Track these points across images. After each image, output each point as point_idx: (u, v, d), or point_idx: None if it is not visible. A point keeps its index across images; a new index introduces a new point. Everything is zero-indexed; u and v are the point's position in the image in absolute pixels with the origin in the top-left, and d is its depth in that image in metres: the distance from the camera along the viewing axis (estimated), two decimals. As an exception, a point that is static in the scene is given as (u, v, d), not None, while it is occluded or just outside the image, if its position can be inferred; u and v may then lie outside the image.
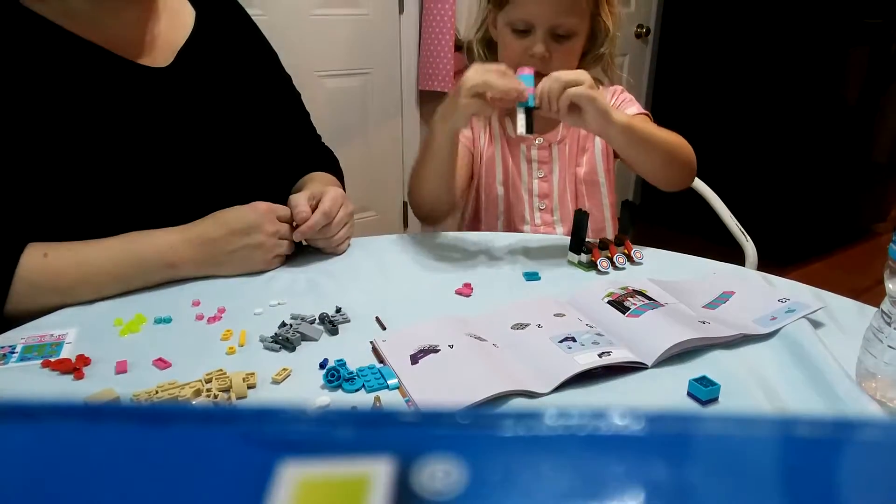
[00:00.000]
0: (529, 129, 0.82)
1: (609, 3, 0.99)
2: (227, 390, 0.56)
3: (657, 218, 2.88)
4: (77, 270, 0.71)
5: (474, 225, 1.13)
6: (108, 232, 0.76)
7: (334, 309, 0.71)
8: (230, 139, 0.87)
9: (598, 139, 1.07)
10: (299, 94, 1.06)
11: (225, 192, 0.83)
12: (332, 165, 1.05)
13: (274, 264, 0.83)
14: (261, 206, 0.80)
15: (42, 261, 0.70)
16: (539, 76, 0.84)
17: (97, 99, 0.76)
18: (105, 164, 0.75)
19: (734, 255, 1.15)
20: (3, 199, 0.71)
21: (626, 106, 1.07)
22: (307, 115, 1.07)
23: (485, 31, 1.05)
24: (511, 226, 1.09)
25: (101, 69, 0.77)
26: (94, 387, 0.56)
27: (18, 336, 0.64)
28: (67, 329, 0.66)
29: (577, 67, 1.00)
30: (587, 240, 0.86)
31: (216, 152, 0.85)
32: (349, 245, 0.91)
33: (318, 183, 0.96)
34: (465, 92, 0.80)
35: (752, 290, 0.76)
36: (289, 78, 1.03)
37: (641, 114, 1.03)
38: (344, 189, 1.01)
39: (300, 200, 0.83)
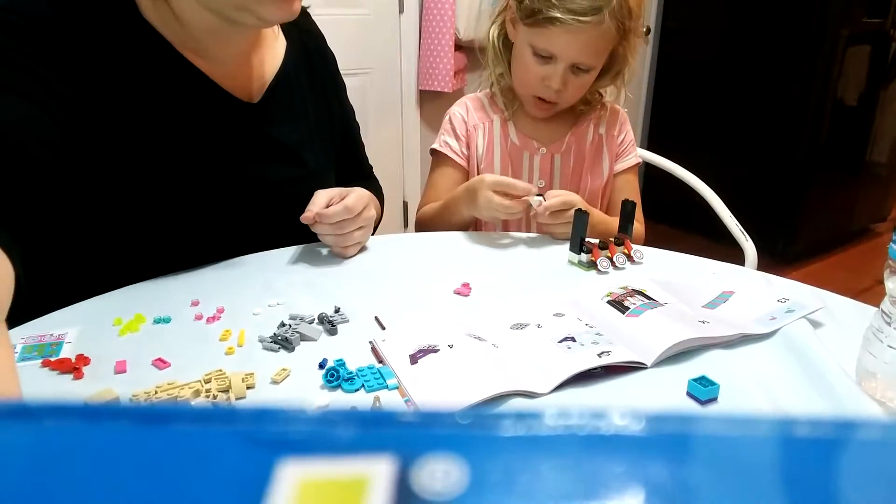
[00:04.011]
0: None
1: (635, 34, 0.98)
2: (226, 390, 0.56)
3: (658, 217, 2.88)
4: None
5: (473, 227, 1.13)
6: (162, 250, 0.78)
7: (333, 309, 0.71)
8: (298, 177, 0.89)
9: (604, 165, 1.08)
10: (359, 126, 1.08)
11: (275, 221, 0.86)
12: (375, 193, 1.06)
13: None
14: None
15: None
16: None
17: (190, 123, 0.78)
18: (177, 186, 0.77)
19: (734, 255, 1.15)
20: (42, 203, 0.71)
21: (630, 150, 1.10)
22: (362, 145, 1.09)
23: (501, 24, 1.03)
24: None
25: (199, 94, 0.78)
26: (94, 386, 0.56)
27: (18, 336, 0.64)
28: (67, 329, 0.66)
29: (593, 85, 1.02)
30: (587, 240, 0.86)
31: (282, 189, 0.86)
32: (358, 250, 0.88)
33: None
34: (485, 186, 0.90)
35: (751, 290, 0.76)
36: (352, 109, 1.05)
37: (634, 166, 1.11)
38: (380, 218, 1.03)
39: (323, 193, 0.83)
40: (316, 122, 0.93)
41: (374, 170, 1.13)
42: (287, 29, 0.92)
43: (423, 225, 1.08)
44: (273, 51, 0.89)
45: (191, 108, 0.78)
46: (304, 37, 0.94)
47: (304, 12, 0.97)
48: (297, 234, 0.83)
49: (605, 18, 0.90)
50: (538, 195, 0.90)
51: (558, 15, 0.90)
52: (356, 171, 1.06)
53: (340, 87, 1.02)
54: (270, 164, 0.85)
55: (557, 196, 0.90)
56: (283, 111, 0.87)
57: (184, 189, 0.77)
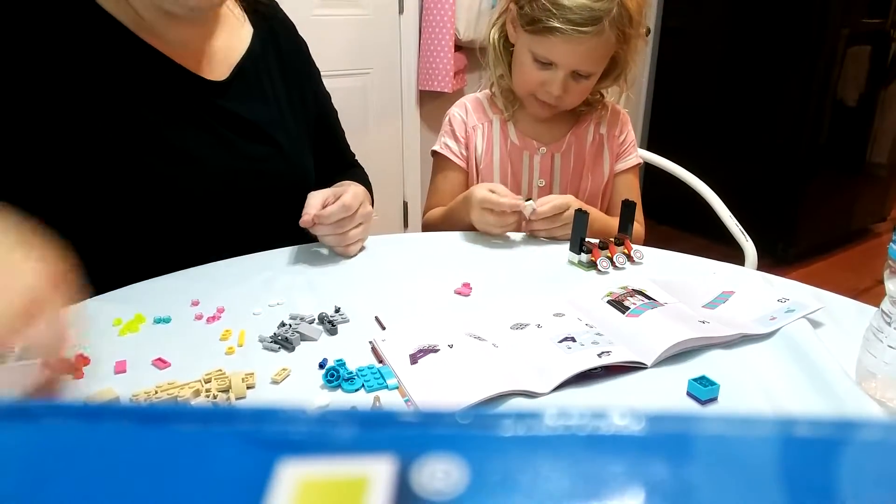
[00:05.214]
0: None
1: (636, 38, 0.98)
2: (226, 390, 0.56)
3: (659, 217, 2.88)
4: None
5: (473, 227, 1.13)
6: (135, 236, 0.77)
7: (333, 309, 0.71)
8: (271, 155, 0.88)
9: (605, 165, 1.08)
10: (336, 112, 1.08)
11: (258, 206, 0.86)
12: (362, 182, 1.06)
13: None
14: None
15: None
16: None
17: (155, 103, 0.77)
18: (149, 167, 0.76)
19: (734, 255, 1.15)
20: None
21: (631, 150, 1.10)
22: (342, 132, 1.08)
23: (502, 25, 1.02)
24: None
25: (161, 75, 0.78)
26: (94, 387, 0.56)
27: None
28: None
29: (595, 87, 1.02)
30: (587, 240, 0.86)
31: (256, 167, 0.86)
32: (360, 248, 0.88)
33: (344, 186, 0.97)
34: (476, 203, 0.91)
35: (751, 290, 0.75)
36: (328, 95, 1.05)
37: (634, 166, 1.11)
38: (372, 205, 1.02)
39: (317, 194, 0.82)
40: (287, 104, 0.93)
41: (374, 169, 1.13)
42: (252, 17, 0.92)
43: (430, 229, 1.08)
44: (238, 35, 0.89)
45: (151, 88, 0.77)
46: (272, 23, 0.94)
47: (272, 3, 0.97)
48: (284, 222, 0.83)
49: (605, 28, 0.90)
50: (528, 200, 0.90)
51: (558, 25, 0.89)
52: (339, 159, 1.07)
53: (314, 73, 1.02)
54: (241, 142, 0.85)
55: (548, 202, 0.90)
56: (250, 91, 0.87)
57: (155, 168, 0.77)
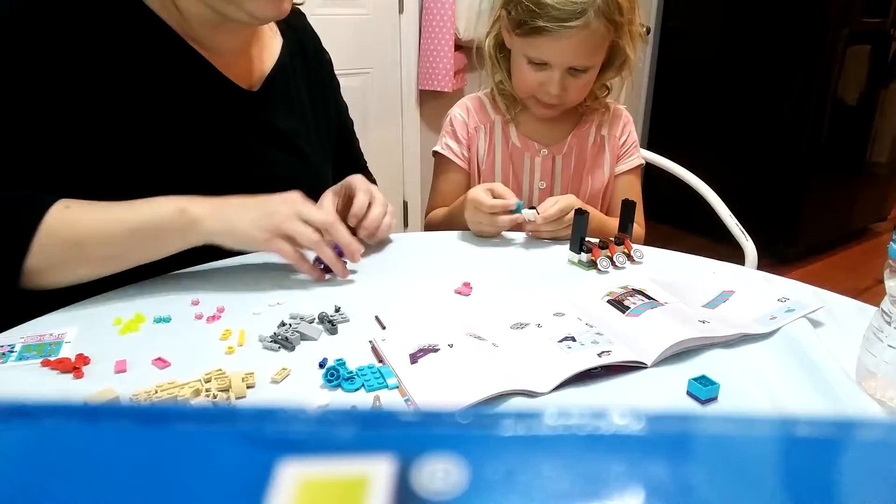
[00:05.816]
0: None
1: (630, 25, 0.97)
2: (226, 390, 0.56)
3: (659, 217, 2.88)
4: (92, 221, 0.69)
5: None
6: None
7: (333, 308, 0.71)
8: (297, 166, 0.90)
9: (605, 167, 1.08)
10: (352, 122, 1.10)
11: None
12: None
13: (279, 246, 0.73)
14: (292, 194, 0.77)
15: (63, 211, 0.68)
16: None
17: (192, 106, 0.78)
18: (176, 170, 0.77)
19: (734, 255, 1.15)
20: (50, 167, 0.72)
21: (632, 151, 1.10)
22: (357, 141, 1.11)
23: (497, 32, 1.03)
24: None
25: (202, 80, 0.79)
26: (94, 386, 0.56)
27: (17, 335, 0.64)
28: (66, 328, 0.66)
29: (598, 80, 1.02)
30: (587, 239, 0.86)
31: (283, 177, 0.87)
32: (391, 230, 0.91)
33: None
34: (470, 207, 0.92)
35: (751, 290, 0.76)
36: (346, 105, 1.08)
37: (636, 167, 1.11)
38: None
39: (326, 195, 0.86)
40: (312, 115, 0.95)
41: (374, 169, 1.13)
42: (283, 27, 0.93)
43: (432, 230, 1.08)
44: (270, 46, 0.90)
45: (193, 92, 0.79)
46: (301, 35, 0.96)
47: (300, 13, 0.98)
48: None
49: (592, 19, 0.90)
50: (531, 208, 0.90)
51: (543, 24, 0.90)
52: (352, 167, 1.08)
53: (336, 86, 1.04)
54: (269, 151, 0.87)
55: (555, 204, 0.90)
56: (280, 101, 0.89)
57: (185, 173, 0.78)
